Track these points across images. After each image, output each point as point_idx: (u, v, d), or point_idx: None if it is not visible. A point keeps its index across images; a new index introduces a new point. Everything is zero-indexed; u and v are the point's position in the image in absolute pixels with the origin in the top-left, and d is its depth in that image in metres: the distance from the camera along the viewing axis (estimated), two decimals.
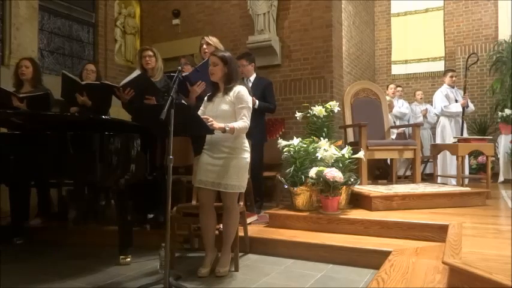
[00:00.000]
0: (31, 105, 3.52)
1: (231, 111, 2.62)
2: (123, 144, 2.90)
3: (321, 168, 3.35)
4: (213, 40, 3.67)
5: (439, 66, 8.42)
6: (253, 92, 4.03)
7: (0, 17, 4.96)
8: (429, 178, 5.65)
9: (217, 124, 2.49)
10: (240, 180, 2.65)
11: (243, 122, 2.59)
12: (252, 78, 4.29)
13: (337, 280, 2.55)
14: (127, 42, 6.68)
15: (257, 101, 4.07)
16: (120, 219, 2.97)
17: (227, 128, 2.50)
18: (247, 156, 2.70)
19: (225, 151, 2.62)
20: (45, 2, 5.50)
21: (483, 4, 8.13)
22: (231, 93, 2.65)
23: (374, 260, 2.66)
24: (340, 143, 3.98)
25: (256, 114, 4.12)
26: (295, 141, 3.58)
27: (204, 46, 3.61)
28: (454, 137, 5.11)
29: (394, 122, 6.15)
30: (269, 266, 2.84)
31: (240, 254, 2.92)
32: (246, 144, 2.71)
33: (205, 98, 2.84)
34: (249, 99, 2.67)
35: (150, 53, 3.70)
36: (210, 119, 2.49)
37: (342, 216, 3.30)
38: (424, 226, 2.98)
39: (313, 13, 5.30)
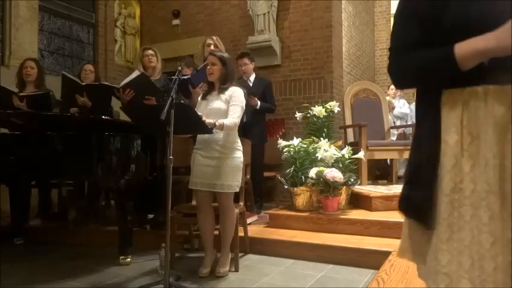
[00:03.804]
0: (32, 105, 3.52)
1: (225, 109, 2.64)
2: (123, 144, 2.90)
3: (321, 168, 3.36)
4: (220, 43, 3.68)
5: None
6: (253, 91, 4.06)
7: (0, 18, 4.96)
8: None
9: (206, 120, 2.48)
10: (234, 179, 2.66)
11: (233, 118, 2.60)
12: (252, 78, 4.29)
13: (337, 280, 2.55)
14: (127, 42, 6.68)
15: (259, 102, 4.07)
16: (120, 220, 2.97)
17: (217, 124, 2.50)
18: (240, 155, 2.71)
19: (217, 150, 2.63)
20: (45, 2, 5.50)
21: None
22: (227, 92, 2.67)
23: (374, 260, 2.66)
24: (340, 143, 3.98)
25: (257, 115, 4.14)
26: (295, 141, 3.58)
27: (212, 47, 3.61)
28: None
29: (394, 123, 6.14)
30: (269, 266, 2.84)
31: (240, 254, 2.92)
32: (239, 143, 2.73)
33: (199, 96, 2.85)
34: (243, 100, 2.70)
35: (152, 52, 3.73)
36: (200, 113, 2.50)
37: (342, 217, 3.30)
38: None
39: (313, 13, 5.30)
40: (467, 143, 0.95)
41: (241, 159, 2.73)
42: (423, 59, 0.99)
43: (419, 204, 1.01)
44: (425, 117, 1.04)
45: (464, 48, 0.91)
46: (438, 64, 0.97)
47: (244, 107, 2.72)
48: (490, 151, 0.93)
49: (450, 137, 0.97)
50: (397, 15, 1.08)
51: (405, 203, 1.10)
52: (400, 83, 1.12)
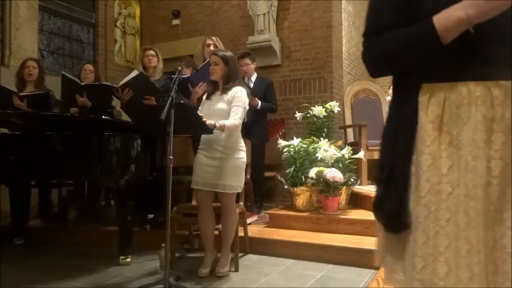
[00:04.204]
0: (32, 105, 3.52)
1: (228, 110, 2.62)
2: (123, 144, 2.90)
3: (321, 168, 3.36)
4: (220, 43, 3.68)
5: None
6: (255, 91, 4.06)
7: (0, 17, 4.96)
8: None
9: (207, 121, 2.47)
10: (237, 180, 2.64)
11: (234, 119, 2.58)
12: (254, 78, 4.30)
13: (337, 280, 2.55)
14: (127, 42, 6.68)
15: (259, 102, 4.07)
16: (120, 219, 2.97)
17: (217, 125, 2.49)
18: (243, 156, 2.70)
19: (219, 150, 2.62)
20: (45, 2, 5.50)
21: None
22: (230, 93, 2.65)
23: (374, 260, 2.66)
24: (340, 143, 3.98)
25: (258, 115, 4.14)
26: (295, 141, 3.58)
27: (212, 48, 3.61)
28: None
29: None
30: (269, 266, 2.84)
31: (240, 254, 2.92)
32: (242, 144, 2.71)
33: (204, 96, 2.85)
34: (246, 100, 2.67)
35: (153, 52, 3.73)
36: (201, 114, 2.49)
37: (342, 217, 3.31)
38: None
39: (313, 13, 5.30)
40: (446, 143, 0.88)
41: (244, 159, 2.71)
42: (399, 37, 0.91)
43: (393, 207, 0.93)
44: (401, 112, 0.96)
45: (444, 19, 0.84)
46: (417, 39, 0.89)
47: (247, 107, 2.70)
48: (470, 153, 0.86)
49: (428, 135, 0.89)
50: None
51: (378, 207, 1.01)
52: (375, 69, 1.02)
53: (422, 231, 0.89)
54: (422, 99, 0.91)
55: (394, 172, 0.95)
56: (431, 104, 0.90)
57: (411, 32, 0.90)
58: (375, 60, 1.00)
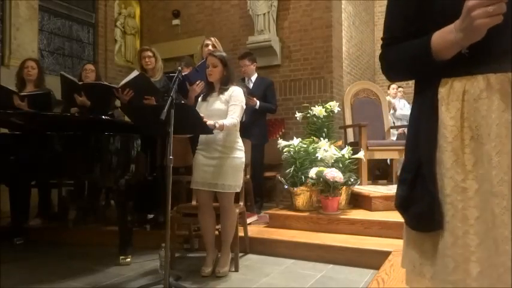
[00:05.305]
0: (33, 105, 3.52)
1: (226, 110, 2.63)
2: (123, 144, 2.90)
3: (321, 168, 3.36)
4: (218, 44, 3.69)
5: None
6: (254, 91, 4.06)
7: (0, 17, 4.97)
8: None
9: (207, 121, 2.48)
10: (235, 180, 2.64)
11: (232, 118, 2.59)
12: (254, 78, 4.30)
13: (337, 280, 2.55)
14: (127, 42, 6.68)
15: (258, 102, 4.06)
16: (120, 219, 2.97)
17: (217, 125, 2.49)
18: (241, 155, 2.70)
19: (218, 150, 2.62)
20: (45, 2, 5.51)
21: None
22: (227, 93, 2.67)
23: (374, 260, 2.66)
24: (340, 143, 3.98)
25: (257, 115, 4.14)
26: (295, 141, 3.58)
27: (210, 47, 3.61)
28: None
29: (394, 123, 6.14)
30: (269, 266, 2.84)
31: (240, 254, 2.92)
32: (240, 143, 2.72)
33: (200, 98, 2.86)
34: (242, 99, 2.68)
35: (150, 53, 3.71)
36: (201, 115, 2.50)
37: (342, 217, 3.30)
38: None
39: (313, 13, 5.30)
40: (468, 138, 0.86)
41: (243, 159, 2.71)
42: (404, 51, 0.95)
43: (425, 206, 0.90)
44: (422, 110, 0.95)
45: (440, 39, 0.87)
46: (416, 57, 0.93)
47: (244, 106, 2.70)
48: (494, 148, 0.83)
49: (449, 131, 0.88)
50: (388, 2, 1.04)
51: (405, 207, 0.98)
52: (389, 76, 1.07)
53: (450, 231, 0.87)
54: (442, 95, 0.91)
55: (420, 171, 0.93)
56: (451, 99, 0.89)
57: (412, 48, 0.94)
58: (387, 69, 1.05)
